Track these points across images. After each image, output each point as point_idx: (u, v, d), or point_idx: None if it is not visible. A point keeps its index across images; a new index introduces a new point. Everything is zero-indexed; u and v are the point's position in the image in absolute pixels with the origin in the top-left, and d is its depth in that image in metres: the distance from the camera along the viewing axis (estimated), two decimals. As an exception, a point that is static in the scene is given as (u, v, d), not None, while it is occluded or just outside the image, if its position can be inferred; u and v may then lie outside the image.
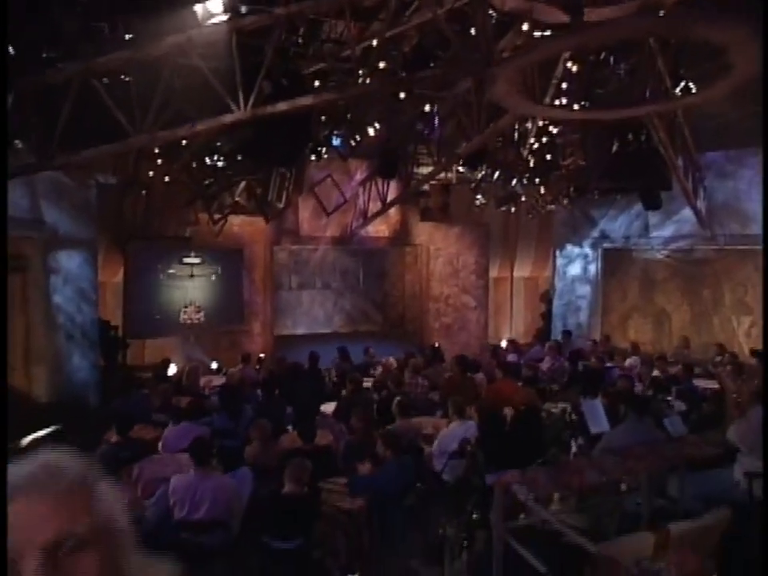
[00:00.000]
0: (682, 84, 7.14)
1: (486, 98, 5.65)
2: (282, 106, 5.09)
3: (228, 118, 5.17)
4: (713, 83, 5.76)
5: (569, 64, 7.00)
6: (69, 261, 8.49)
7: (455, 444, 5.30)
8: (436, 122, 6.45)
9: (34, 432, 7.21)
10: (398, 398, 5.78)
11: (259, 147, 5.71)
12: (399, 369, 7.76)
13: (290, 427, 6.07)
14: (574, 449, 4.61)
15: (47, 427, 6.88)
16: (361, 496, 4.52)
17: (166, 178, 9.07)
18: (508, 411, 5.91)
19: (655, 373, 7.36)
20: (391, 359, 8.14)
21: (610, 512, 4.22)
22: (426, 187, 11.85)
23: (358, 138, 9.44)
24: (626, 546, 2.63)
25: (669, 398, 5.98)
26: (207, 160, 7.92)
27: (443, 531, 4.39)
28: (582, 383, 5.29)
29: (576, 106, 7.10)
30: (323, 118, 7.67)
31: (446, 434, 5.48)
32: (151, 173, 9.02)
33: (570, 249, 12.36)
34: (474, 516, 4.36)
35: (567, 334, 10.59)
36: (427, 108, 7.51)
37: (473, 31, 5.60)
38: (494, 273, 13.59)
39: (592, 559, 2.50)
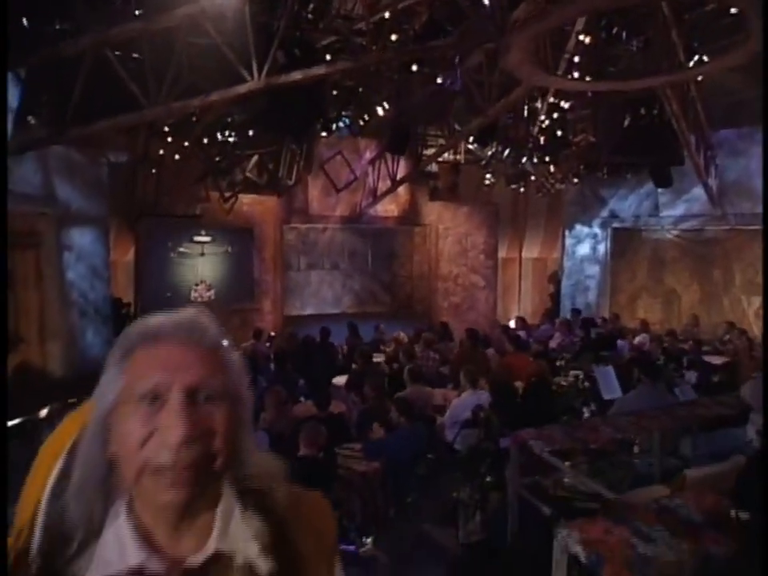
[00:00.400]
0: (696, 58, 7.09)
1: (500, 67, 5.63)
2: (296, 75, 5.10)
3: (242, 88, 5.19)
4: (727, 52, 5.71)
5: (581, 37, 6.96)
6: (81, 238, 8.55)
7: (467, 413, 5.35)
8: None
9: (50, 406, 7.35)
10: (408, 366, 5.83)
11: (272, 117, 5.72)
12: (410, 343, 7.81)
13: (302, 398, 6.15)
14: (586, 415, 4.64)
15: (62, 401, 6.95)
16: (376, 460, 4.59)
17: (177, 156, 9.11)
18: (519, 384, 5.97)
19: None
20: (402, 334, 8.20)
21: (622, 477, 4.27)
22: (435, 168, 11.84)
23: (366, 117, 9.47)
24: (643, 494, 2.68)
25: (681, 372, 5.99)
26: (219, 135, 7.93)
27: (457, 494, 4.47)
28: (594, 350, 5.32)
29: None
30: (335, 92, 7.65)
31: (458, 404, 5.53)
32: (162, 151, 9.06)
33: (580, 228, 12.32)
34: (488, 479, 4.42)
35: (576, 312, 10.60)
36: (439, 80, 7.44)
37: (486, 1, 5.58)
38: (502, 253, 13.60)
39: (607, 504, 2.55)
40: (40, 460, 0.84)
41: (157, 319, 0.79)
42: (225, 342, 0.82)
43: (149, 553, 0.73)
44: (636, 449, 4.13)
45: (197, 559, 0.74)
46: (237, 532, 0.78)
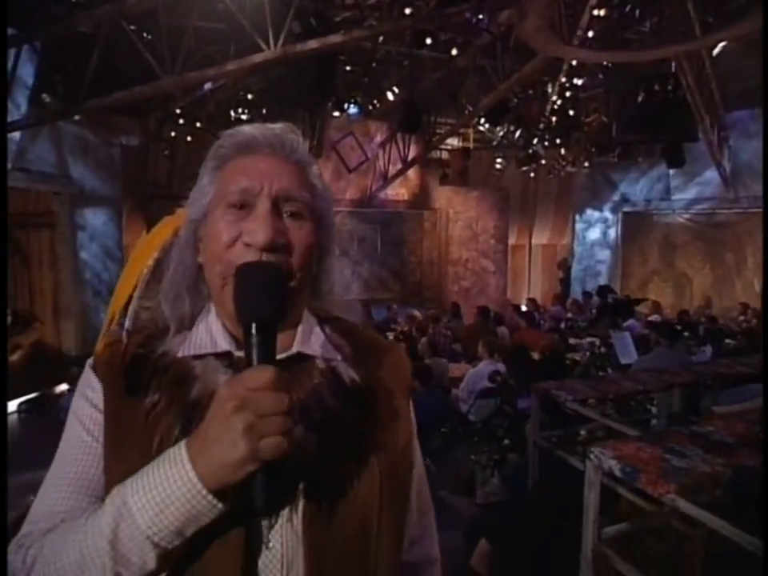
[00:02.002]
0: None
1: (515, 35, 5.62)
2: (312, 44, 5.10)
3: (258, 57, 5.19)
4: (743, 20, 5.67)
5: (595, 12, 6.94)
6: (94, 218, 8.62)
7: (483, 382, 5.36)
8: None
9: (66, 384, 7.43)
10: (424, 338, 5.83)
11: (285, 90, 5.74)
12: (424, 320, 7.82)
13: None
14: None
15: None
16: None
17: (189, 138, 9.15)
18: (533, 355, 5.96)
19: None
20: (415, 312, 8.21)
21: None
22: (445, 156, 11.82)
23: (377, 102, 9.48)
24: (668, 434, 2.68)
25: (697, 342, 5.96)
26: (232, 113, 7.94)
27: (474, 457, 4.48)
28: (611, 316, 5.31)
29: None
30: (348, 68, 7.66)
31: (473, 373, 5.53)
32: (173, 133, 9.11)
33: (590, 213, 12.29)
34: (506, 442, 4.44)
35: (588, 294, 10.57)
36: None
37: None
38: (512, 240, 13.56)
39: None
40: (135, 256, 0.90)
41: (250, 131, 0.78)
42: (314, 164, 0.82)
43: (237, 345, 0.76)
44: (654, 409, 4.12)
45: (280, 356, 0.74)
46: (318, 340, 0.80)
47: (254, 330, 0.65)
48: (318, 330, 0.82)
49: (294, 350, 0.78)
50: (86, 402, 0.77)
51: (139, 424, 0.71)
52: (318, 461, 0.71)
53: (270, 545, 0.70)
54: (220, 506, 0.62)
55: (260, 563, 0.69)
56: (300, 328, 0.80)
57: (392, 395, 0.84)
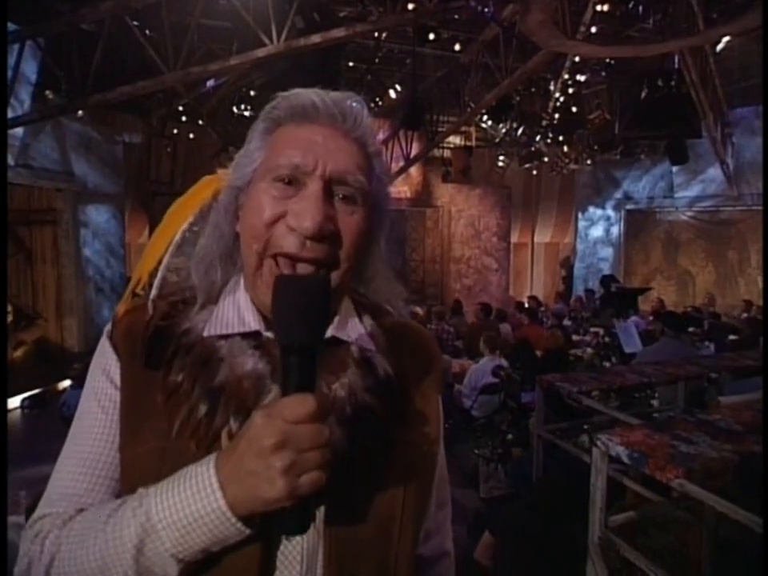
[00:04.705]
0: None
1: (518, 29, 5.61)
2: (315, 39, 5.10)
3: (261, 52, 5.19)
4: (745, 14, 5.65)
5: (598, 7, 6.92)
6: (97, 215, 8.62)
7: (486, 378, 5.35)
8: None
9: (69, 380, 7.44)
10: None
11: (286, 84, 5.72)
12: (425, 316, 7.81)
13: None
14: (607, 371, 4.61)
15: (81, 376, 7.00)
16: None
17: (191, 135, 9.16)
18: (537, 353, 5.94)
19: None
20: (417, 308, 8.19)
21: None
22: (448, 154, 11.82)
23: (379, 101, 9.48)
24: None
25: (701, 337, 5.94)
26: (234, 109, 7.95)
27: (478, 452, 4.47)
28: (615, 306, 5.27)
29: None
30: (350, 65, 7.65)
31: (476, 369, 5.52)
32: (176, 130, 9.12)
33: (593, 211, 12.26)
34: (510, 436, 4.43)
35: (591, 292, 10.55)
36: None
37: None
38: (514, 238, 13.55)
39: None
40: (169, 218, 0.82)
41: (309, 94, 0.69)
42: (374, 140, 0.73)
43: (266, 325, 0.71)
44: (656, 403, 4.11)
45: None
46: (353, 327, 0.76)
47: (293, 354, 0.59)
48: (355, 317, 0.78)
49: (329, 333, 0.72)
50: (102, 374, 0.72)
51: (158, 405, 0.67)
52: (344, 455, 0.67)
53: (291, 537, 0.67)
54: (248, 531, 0.60)
55: (279, 555, 0.67)
56: (338, 313, 0.75)
57: (424, 391, 0.80)
